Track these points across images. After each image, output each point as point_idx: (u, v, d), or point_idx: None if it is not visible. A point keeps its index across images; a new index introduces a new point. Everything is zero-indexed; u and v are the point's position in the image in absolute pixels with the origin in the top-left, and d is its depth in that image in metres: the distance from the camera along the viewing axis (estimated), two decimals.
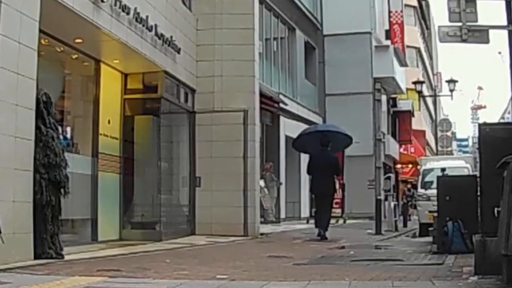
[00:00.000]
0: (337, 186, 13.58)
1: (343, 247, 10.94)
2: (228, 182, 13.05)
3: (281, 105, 19.66)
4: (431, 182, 15.40)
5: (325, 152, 13.20)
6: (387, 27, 30.35)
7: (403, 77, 31.20)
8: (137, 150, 12.03)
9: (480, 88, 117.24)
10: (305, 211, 22.39)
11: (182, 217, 13.35)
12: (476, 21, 10.08)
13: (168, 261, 7.80)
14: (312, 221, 20.38)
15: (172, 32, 11.98)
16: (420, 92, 33.93)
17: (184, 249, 10.16)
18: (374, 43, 27.39)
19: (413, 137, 36.99)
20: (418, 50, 46.64)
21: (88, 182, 10.20)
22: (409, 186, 25.89)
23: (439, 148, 41.93)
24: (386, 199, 16.28)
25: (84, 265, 6.72)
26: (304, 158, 22.78)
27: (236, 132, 13.21)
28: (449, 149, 45.33)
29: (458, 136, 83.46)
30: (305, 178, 22.76)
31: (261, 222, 14.64)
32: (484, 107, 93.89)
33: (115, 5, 9.62)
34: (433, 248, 9.37)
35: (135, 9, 10.30)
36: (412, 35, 41.92)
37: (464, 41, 10.05)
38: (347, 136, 14.68)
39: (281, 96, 20.04)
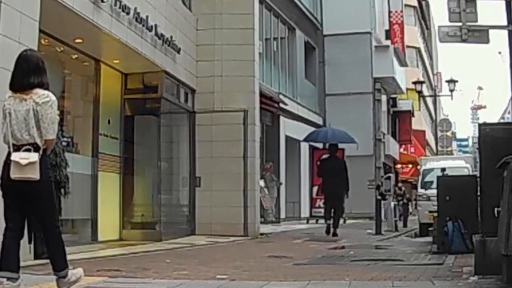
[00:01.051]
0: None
1: (343, 247, 10.95)
2: (228, 182, 13.05)
3: (281, 105, 19.66)
4: (431, 182, 15.39)
5: (334, 157, 14.68)
6: (387, 27, 30.32)
7: (403, 77, 31.19)
8: (137, 150, 12.04)
9: (480, 88, 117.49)
10: (305, 211, 22.39)
11: (182, 217, 13.36)
12: (476, 21, 10.07)
13: (168, 261, 7.81)
14: (312, 221, 20.54)
15: (172, 32, 11.98)
16: (420, 92, 33.91)
17: (184, 249, 10.16)
18: (374, 43, 27.37)
19: (413, 137, 36.97)
20: (418, 50, 46.63)
21: (88, 182, 10.20)
22: (399, 185, 25.72)
23: (439, 148, 41.92)
24: (384, 198, 16.28)
25: (84, 265, 6.69)
26: (304, 159, 22.85)
27: (236, 132, 13.21)
28: (449, 149, 45.34)
29: (458, 136, 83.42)
30: (305, 178, 22.80)
31: (261, 222, 14.64)
32: (484, 107, 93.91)
33: (115, 5, 9.62)
34: (433, 248, 9.37)
35: (135, 9, 10.30)
36: (412, 35, 41.91)
37: (464, 41, 10.04)
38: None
39: (281, 96, 20.04)
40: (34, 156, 4.68)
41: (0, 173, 4.85)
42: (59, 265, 4.83)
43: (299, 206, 22.48)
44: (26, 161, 4.65)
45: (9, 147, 4.79)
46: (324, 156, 15.83)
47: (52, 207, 4.91)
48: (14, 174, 4.67)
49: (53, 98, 4.82)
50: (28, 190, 4.70)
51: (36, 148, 4.72)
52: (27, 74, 4.82)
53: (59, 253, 4.85)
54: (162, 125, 12.11)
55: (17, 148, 4.73)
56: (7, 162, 4.77)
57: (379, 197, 15.78)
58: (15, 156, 4.69)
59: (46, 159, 4.83)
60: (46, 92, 4.81)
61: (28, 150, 4.70)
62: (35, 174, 4.66)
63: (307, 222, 20.58)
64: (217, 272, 6.52)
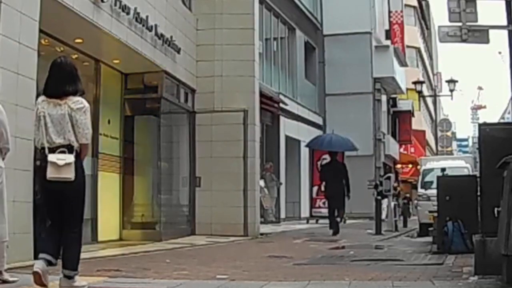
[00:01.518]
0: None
1: (343, 247, 10.95)
2: (228, 182, 13.05)
3: (281, 105, 19.66)
4: (431, 182, 15.38)
5: (334, 162, 15.52)
6: (387, 27, 30.31)
7: (403, 77, 31.17)
8: (137, 150, 12.04)
9: (480, 88, 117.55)
10: (305, 211, 22.38)
11: (182, 217, 13.36)
12: (476, 21, 10.08)
13: (168, 261, 7.81)
14: (312, 221, 20.56)
15: (172, 32, 11.98)
16: (420, 92, 33.90)
17: (184, 249, 10.16)
18: (374, 43, 27.36)
19: (413, 137, 36.95)
20: (418, 50, 46.60)
21: (88, 182, 10.16)
22: (395, 184, 25.60)
23: (439, 148, 41.92)
24: (383, 197, 16.30)
25: (84, 265, 6.69)
26: (304, 158, 22.84)
27: (236, 132, 13.21)
28: (449, 149, 45.31)
29: (458, 136, 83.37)
30: (305, 178, 22.79)
31: (261, 222, 14.64)
32: (484, 107, 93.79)
33: (115, 5, 9.62)
34: (433, 248, 9.38)
35: (135, 9, 10.31)
36: (412, 35, 41.89)
37: (464, 41, 10.05)
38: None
39: (281, 96, 20.03)
40: (70, 157, 4.93)
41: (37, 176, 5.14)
42: (70, 264, 4.97)
43: (299, 206, 22.48)
44: (63, 162, 4.89)
45: (41, 150, 5.00)
46: (325, 161, 17.00)
47: (80, 207, 5.14)
48: (51, 174, 4.88)
49: (87, 104, 5.08)
50: (62, 189, 4.92)
51: (70, 149, 4.96)
52: (62, 82, 5.02)
53: (74, 253, 5.02)
54: (162, 125, 12.11)
55: (52, 150, 4.94)
56: (42, 164, 4.99)
57: (378, 197, 15.78)
58: (52, 157, 4.90)
59: (81, 161, 5.10)
60: (80, 98, 5.06)
61: (63, 152, 4.94)
62: (71, 175, 4.91)
63: (307, 222, 20.59)
64: (217, 272, 6.52)
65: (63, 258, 5.02)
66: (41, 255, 4.89)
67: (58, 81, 5.02)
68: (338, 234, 14.10)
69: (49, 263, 4.88)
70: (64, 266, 4.98)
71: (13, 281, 5.34)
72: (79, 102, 5.01)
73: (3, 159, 5.48)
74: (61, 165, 4.87)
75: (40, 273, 4.78)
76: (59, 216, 5.05)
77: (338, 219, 14.84)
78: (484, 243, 6.01)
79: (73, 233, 5.05)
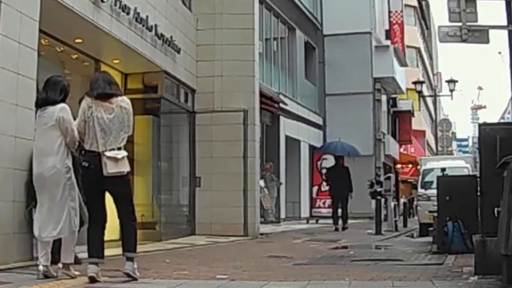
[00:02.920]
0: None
1: (343, 247, 10.95)
2: (228, 182, 13.05)
3: (281, 105, 19.65)
4: (431, 182, 15.38)
5: (339, 165, 17.33)
6: (387, 27, 30.29)
7: (403, 77, 31.13)
8: (137, 150, 12.02)
9: (480, 88, 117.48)
10: (305, 211, 22.38)
11: (182, 217, 13.35)
12: (476, 21, 10.08)
13: (168, 261, 7.82)
14: (312, 221, 20.59)
15: (172, 32, 11.98)
16: (420, 92, 33.89)
17: (184, 249, 10.16)
18: (374, 43, 27.33)
19: (413, 137, 36.92)
20: (418, 50, 46.60)
21: None
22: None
23: (439, 148, 41.94)
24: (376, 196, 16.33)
25: (84, 265, 6.70)
26: (304, 159, 22.84)
27: (236, 132, 13.21)
28: (449, 149, 45.34)
29: (458, 136, 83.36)
30: (305, 178, 22.80)
31: (261, 222, 14.64)
32: (484, 107, 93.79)
33: (115, 5, 9.62)
34: (433, 248, 9.38)
35: (135, 9, 10.30)
36: (412, 35, 41.88)
37: (464, 41, 10.06)
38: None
39: (281, 96, 20.02)
40: (124, 152, 5.54)
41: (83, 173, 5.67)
42: (131, 247, 5.74)
43: (299, 206, 22.47)
44: (121, 155, 5.49)
45: (89, 151, 5.51)
46: (326, 161, 19.55)
47: (132, 197, 5.87)
48: (111, 169, 5.43)
49: (130, 102, 5.80)
50: (115, 183, 5.52)
51: (119, 147, 5.53)
52: (111, 84, 5.73)
53: (134, 238, 5.80)
54: (162, 125, 12.11)
55: (104, 149, 5.47)
56: (90, 166, 5.48)
57: (378, 197, 15.78)
58: (109, 153, 5.45)
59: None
60: (125, 98, 5.81)
61: (113, 149, 5.49)
62: (126, 168, 5.54)
63: (307, 222, 20.59)
64: (217, 272, 6.53)
65: (125, 243, 5.73)
66: (92, 260, 5.55)
67: (108, 83, 5.68)
68: (339, 231, 15.33)
69: (98, 263, 5.55)
70: (126, 250, 5.69)
71: (75, 276, 5.73)
72: (126, 102, 5.71)
73: (72, 156, 5.81)
74: (120, 158, 5.43)
75: (95, 276, 5.45)
76: (103, 212, 5.74)
77: (340, 222, 16.21)
78: (484, 243, 6.01)
79: (133, 223, 5.86)
